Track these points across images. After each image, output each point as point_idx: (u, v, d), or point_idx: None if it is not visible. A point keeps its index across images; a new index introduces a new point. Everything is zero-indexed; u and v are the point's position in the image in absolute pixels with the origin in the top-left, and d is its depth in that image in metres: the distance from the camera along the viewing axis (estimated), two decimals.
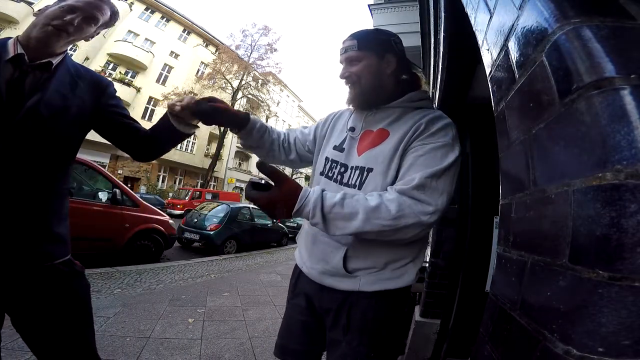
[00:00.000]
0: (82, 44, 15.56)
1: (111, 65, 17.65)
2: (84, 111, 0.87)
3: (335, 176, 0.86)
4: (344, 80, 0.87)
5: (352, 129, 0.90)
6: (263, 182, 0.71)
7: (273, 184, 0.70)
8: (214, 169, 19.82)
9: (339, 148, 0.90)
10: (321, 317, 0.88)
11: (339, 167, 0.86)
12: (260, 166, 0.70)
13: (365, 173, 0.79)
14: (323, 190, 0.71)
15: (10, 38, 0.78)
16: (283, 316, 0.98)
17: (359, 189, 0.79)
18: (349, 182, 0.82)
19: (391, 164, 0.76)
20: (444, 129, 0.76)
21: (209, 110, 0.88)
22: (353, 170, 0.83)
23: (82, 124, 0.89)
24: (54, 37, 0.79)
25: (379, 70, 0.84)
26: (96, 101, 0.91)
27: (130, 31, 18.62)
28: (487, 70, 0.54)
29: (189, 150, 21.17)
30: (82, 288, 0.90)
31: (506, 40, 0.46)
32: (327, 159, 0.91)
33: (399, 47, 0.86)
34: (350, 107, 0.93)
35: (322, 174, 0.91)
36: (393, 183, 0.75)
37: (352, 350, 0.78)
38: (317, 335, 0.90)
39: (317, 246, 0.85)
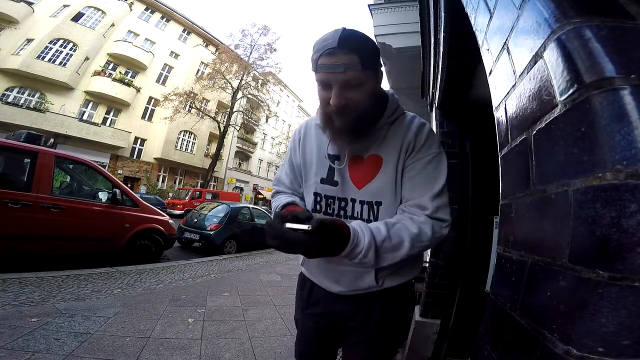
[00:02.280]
0: (82, 44, 15.58)
1: (111, 65, 17.65)
2: None
3: (337, 212, 0.81)
4: (336, 109, 0.69)
5: (336, 157, 0.80)
6: (308, 227, 0.59)
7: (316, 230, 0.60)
8: (214, 169, 19.81)
9: (329, 181, 0.81)
10: (337, 321, 0.89)
11: (337, 201, 0.80)
12: (318, 224, 0.57)
13: (376, 207, 0.77)
14: (370, 227, 0.67)
15: None
16: (298, 328, 0.98)
17: (375, 221, 0.77)
18: (359, 216, 0.79)
19: (396, 191, 0.76)
20: (428, 138, 0.76)
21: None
22: (358, 204, 0.79)
23: None
24: None
25: (375, 91, 0.73)
26: None
27: (130, 31, 18.62)
28: (487, 70, 0.54)
29: (189, 150, 21.17)
30: None
31: (506, 40, 0.46)
32: (317, 195, 0.83)
33: (380, 55, 0.75)
34: (329, 135, 0.79)
35: (316, 211, 0.84)
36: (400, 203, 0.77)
37: (385, 342, 0.83)
38: (333, 339, 0.92)
39: (343, 276, 0.82)
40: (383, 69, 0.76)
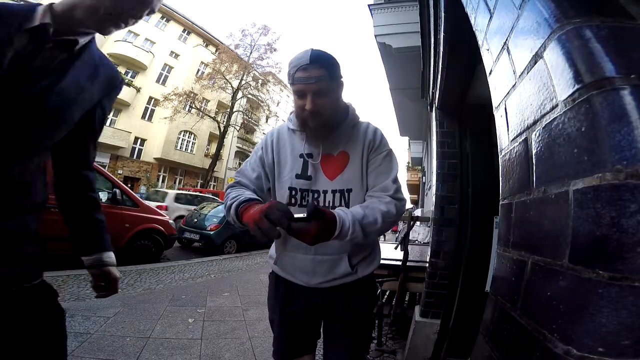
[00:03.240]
0: None
1: None
2: (86, 109, 0.72)
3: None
4: (310, 113, 0.84)
5: (310, 155, 0.92)
6: (303, 215, 0.71)
7: (311, 216, 0.70)
8: (214, 169, 19.80)
9: (303, 176, 0.92)
10: (317, 313, 0.96)
11: (310, 193, 0.92)
12: (313, 208, 0.69)
13: (347, 194, 0.91)
14: (349, 210, 0.81)
15: (39, 4, 0.63)
16: (277, 326, 0.99)
17: (347, 207, 0.89)
18: (331, 205, 0.91)
19: (363, 180, 0.92)
20: (382, 138, 0.95)
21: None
22: (330, 194, 0.91)
23: (74, 123, 0.72)
24: (106, 26, 0.64)
25: (339, 98, 0.90)
26: (99, 99, 0.75)
27: (130, 31, 18.59)
28: (487, 70, 0.54)
29: (189, 150, 21.16)
30: (56, 316, 0.75)
31: (506, 40, 0.46)
32: (292, 189, 0.93)
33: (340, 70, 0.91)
34: (301, 132, 0.93)
35: (291, 204, 0.92)
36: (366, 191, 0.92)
37: (363, 327, 0.95)
38: (314, 332, 1.00)
39: (319, 266, 0.90)
40: (343, 79, 0.92)
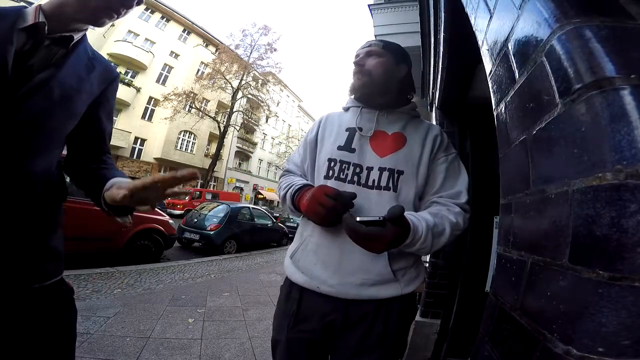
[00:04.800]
0: None
1: None
2: (89, 100, 0.75)
3: (350, 177, 0.82)
4: (357, 66, 0.88)
5: (360, 129, 0.87)
6: (380, 218, 0.62)
7: (389, 220, 0.62)
8: (214, 169, 19.79)
9: (346, 148, 0.85)
10: (331, 334, 0.81)
11: (352, 167, 0.83)
12: (400, 211, 0.60)
13: (396, 175, 0.81)
14: (421, 215, 0.74)
15: (27, 6, 0.66)
16: (282, 349, 0.83)
17: (394, 190, 0.80)
18: (376, 184, 0.80)
19: (420, 168, 0.82)
20: (448, 140, 0.90)
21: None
22: (377, 172, 0.81)
23: (80, 114, 0.74)
24: (99, 17, 0.66)
25: (391, 72, 0.88)
26: (100, 92, 0.78)
27: (130, 31, 18.59)
28: (487, 70, 0.54)
29: (189, 150, 21.15)
30: (71, 316, 0.76)
31: (506, 40, 0.46)
32: (331, 160, 0.85)
33: (410, 62, 0.93)
34: (352, 96, 0.94)
35: (327, 177, 0.84)
36: (423, 185, 0.83)
37: (386, 356, 0.78)
38: (323, 354, 0.84)
39: (349, 257, 0.77)
40: (406, 67, 0.92)
